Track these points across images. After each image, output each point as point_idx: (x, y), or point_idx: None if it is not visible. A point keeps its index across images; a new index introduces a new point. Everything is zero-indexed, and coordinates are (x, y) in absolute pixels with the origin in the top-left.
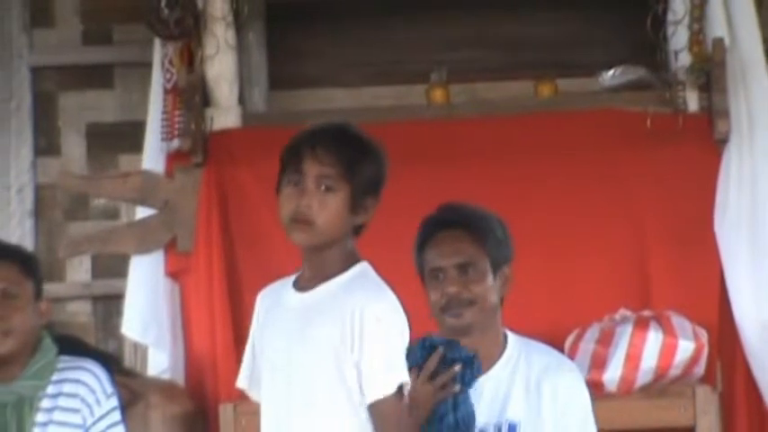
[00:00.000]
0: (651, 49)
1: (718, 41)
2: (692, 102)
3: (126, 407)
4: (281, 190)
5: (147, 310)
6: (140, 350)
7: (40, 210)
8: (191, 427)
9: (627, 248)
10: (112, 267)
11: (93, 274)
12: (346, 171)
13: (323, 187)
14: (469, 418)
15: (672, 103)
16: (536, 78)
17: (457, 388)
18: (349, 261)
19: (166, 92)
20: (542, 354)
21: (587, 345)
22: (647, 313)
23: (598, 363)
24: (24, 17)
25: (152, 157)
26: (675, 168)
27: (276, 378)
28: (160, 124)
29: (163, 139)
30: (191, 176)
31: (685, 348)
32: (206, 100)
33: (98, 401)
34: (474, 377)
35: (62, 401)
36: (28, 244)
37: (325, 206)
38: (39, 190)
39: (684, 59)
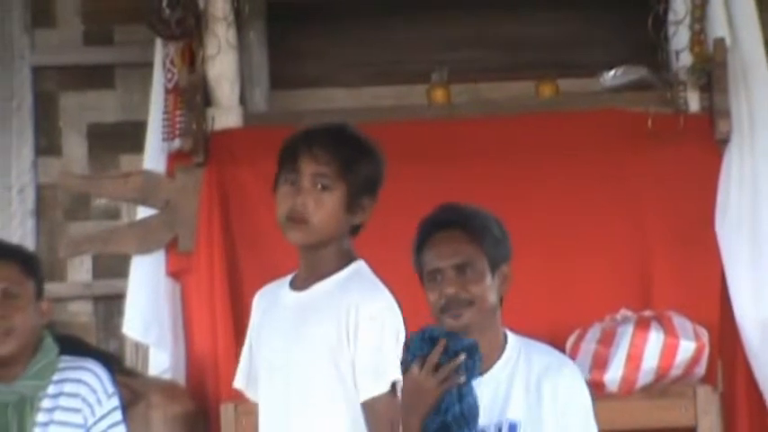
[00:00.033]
0: (652, 50)
1: (720, 41)
2: (694, 102)
3: (127, 407)
4: (278, 189)
5: (148, 309)
6: (141, 350)
7: (41, 210)
8: (192, 426)
9: (628, 248)
10: (113, 267)
11: (95, 274)
12: (343, 170)
13: (319, 186)
14: (475, 408)
15: (673, 103)
16: (537, 78)
17: (462, 378)
18: (345, 260)
19: (167, 92)
20: (543, 353)
21: (588, 345)
22: (648, 313)
23: (599, 363)
24: (26, 18)
25: (153, 157)
26: (676, 168)
27: (274, 377)
28: (161, 124)
29: (164, 139)
30: (192, 176)
31: (686, 348)
32: (207, 100)
33: (99, 401)
34: (476, 366)
35: (63, 401)
36: (29, 244)
37: (321, 205)
38: (40, 190)
39: (685, 59)
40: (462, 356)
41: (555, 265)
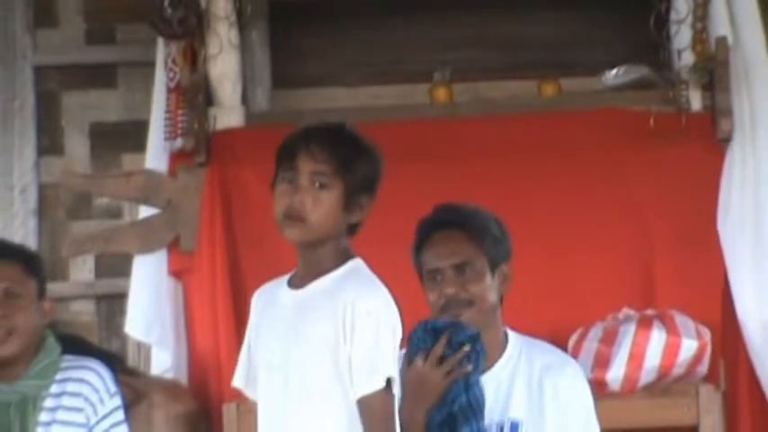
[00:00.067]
0: (653, 49)
1: (722, 40)
2: (695, 101)
3: (129, 406)
4: (276, 187)
5: (151, 309)
6: (143, 349)
7: (43, 209)
8: (194, 426)
9: (630, 247)
10: (116, 267)
11: (97, 274)
12: (340, 168)
13: (317, 184)
14: (482, 398)
15: (675, 102)
16: (538, 78)
17: (469, 368)
18: (342, 258)
19: (169, 91)
20: (544, 352)
21: (591, 344)
22: (650, 312)
23: (601, 362)
24: (28, 17)
25: (155, 156)
26: (678, 167)
27: (272, 376)
28: (163, 123)
29: (166, 139)
30: (194, 176)
31: (688, 347)
32: (209, 99)
33: (101, 400)
34: (481, 356)
35: (65, 401)
36: (31, 243)
37: (319, 203)
38: (42, 189)
39: (687, 58)
40: (467, 347)
41: (557, 264)
